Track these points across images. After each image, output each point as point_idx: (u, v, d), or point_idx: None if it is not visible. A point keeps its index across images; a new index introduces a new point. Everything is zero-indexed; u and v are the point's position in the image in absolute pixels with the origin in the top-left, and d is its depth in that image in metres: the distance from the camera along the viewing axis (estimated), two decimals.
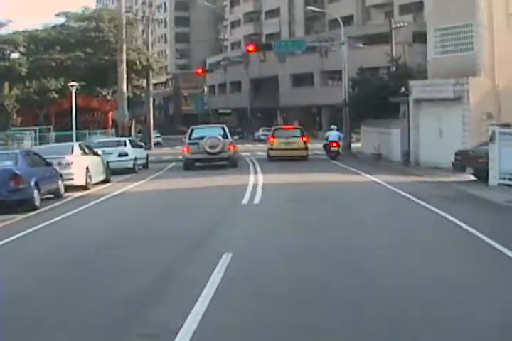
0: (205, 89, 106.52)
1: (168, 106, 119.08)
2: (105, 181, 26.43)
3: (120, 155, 30.50)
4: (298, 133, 36.79)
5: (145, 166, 34.00)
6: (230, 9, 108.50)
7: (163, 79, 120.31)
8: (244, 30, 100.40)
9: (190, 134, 31.31)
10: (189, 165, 31.43)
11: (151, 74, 56.20)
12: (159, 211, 17.52)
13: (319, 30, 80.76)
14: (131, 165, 30.82)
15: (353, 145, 44.43)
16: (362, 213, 16.11)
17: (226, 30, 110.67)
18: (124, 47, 39.14)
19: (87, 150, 25.44)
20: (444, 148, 28.87)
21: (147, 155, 34.54)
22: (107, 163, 27.07)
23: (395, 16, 70.94)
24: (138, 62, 53.64)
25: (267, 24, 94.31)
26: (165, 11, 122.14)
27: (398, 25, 55.91)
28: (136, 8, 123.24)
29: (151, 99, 55.97)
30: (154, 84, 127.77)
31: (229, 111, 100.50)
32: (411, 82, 32.32)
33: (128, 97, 59.07)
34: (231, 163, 31.45)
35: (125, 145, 31.27)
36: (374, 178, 25.10)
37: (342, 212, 16.29)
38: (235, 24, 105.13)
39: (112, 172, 28.99)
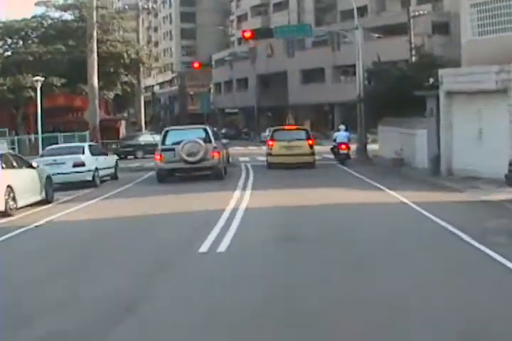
0: (212, 88, 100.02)
1: (174, 105, 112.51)
2: (46, 201, 19.87)
3: (75, 165, 23.87)
4: (303, 134, 29.99)
5: (114, 177, 27.39)
6: (236, 3, 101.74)
7: (168, 77, 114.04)
8: (251, 24, 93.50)
9: (164, 138, 24.58)
10: (163, 177, 24.79)
11: (141, 69, 49.47)
12: (51, 270, 10.61)
13: (330, 22, 73.95)
14: (90, 178, 24.21)
15: (368, 147, 37.56)
16: (391, 274, 9.36)
17: (232, 25, 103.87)
18: (95, 33, 32.57)
19: (14, 163, 18.80)
20: (484, 152, 22.51)
21: (116, 164, 27.79)
22: (48, 177, 20.39)
23: (412, 7, 64.06)
24: (126, 56, 46.97)
25: (275, 17, 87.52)
26: (170, 6, 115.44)
27: (417, 13, 49.61)
28: (142, 4, 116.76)
29: (142, 97, 49.33)
30: (160, 83, 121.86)
31: (236, 110, 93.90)
32: (441, 71, 25.59)
33: (117, 95, 52.82)
34: (216, 174, 24.77)
35: (83, 152, 24.59)
36: (399, 196, 18.40)
37: (361, 279, 9.53)
38: (241, 18, 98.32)
39: (65, 186, 22.61)
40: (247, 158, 37.63)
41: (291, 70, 75.99)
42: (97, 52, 46.86)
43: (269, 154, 29.52)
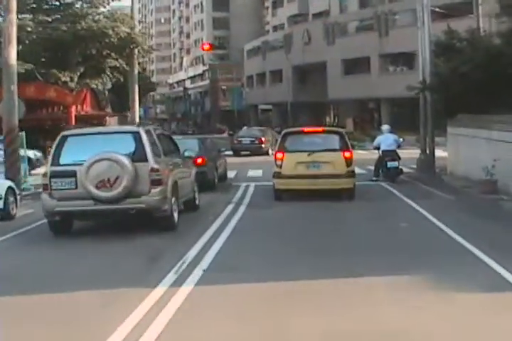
0: (244, 82, 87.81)
1: (205, 101, 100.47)
2: None
3: None
4: (334, 141, 17.21)
5: (5, 216, 15.17)
6: None
7: (199, 70, 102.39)
8: (287, 10, 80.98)
9: (58, 152, 11.98)
10: (57, 227, 12.58)
11: (135, 52, 37.36)
12: None
13: (377, 4, 61.20)
14: None
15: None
16: None
17: (268, 12, 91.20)
18: None
19: None
20: None
21: (9, 192, 15.31)
22: None
23: None
24: (112, 33, 34.95)
25: (314, 2, 74.69)
26: None
27: None
28: None
29: (137, 87, 37.19)
30: (191, 77, 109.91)
31: (270, 106, 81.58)
32: None
33: (113, 86, 41.19)
34: (161, 222, 12.41)
35: None
36: None
37: None
38: (277, 4, 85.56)
39: None
40: (259, 172, 25.19)
41: (331, 60, 63.54)
42: (75, 29, 35.38)
43: (277, 175, 16.94)
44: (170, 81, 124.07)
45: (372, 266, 9.34)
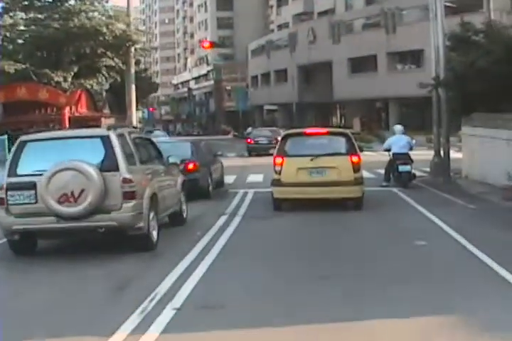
0: (249, 82, 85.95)
1: (209, 102, 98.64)
2: None
3: None
4: (340, 144, 15.22)
5: None
6: None
7: (203, 70, 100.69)
8: (292, 8, 79.21)
9: (15, 160, 10.17)
10: (19, 246, 10.74)
11: (132, 50, 35.57)
12: None
13: (384, 1, 59.24)
14: None
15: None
16: None
17: (272, 11, 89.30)
18: None
19: None
20: None
21: None
22: None
23: None
24: (106, 31, 33.18)
25: (319, 0, 72.86)
26: None
27: None
28: None
29: (133, 87, 35.36)
30: (196, 78, 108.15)
31: (275, 107, 79.68)
32: None
33: (111, 86, 39.47)
34: (136, 241, 10.56)
35: None
36: None
37: None
38: (282, 2, 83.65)
39: None
40: (259, 177, 23.25)
41: (336, 59, 61.65)
42: (67, 27, 33.68)
43: (275, 182, 15.08)
44: (174, 82, 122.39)
45: (391, 303, 7.51)
